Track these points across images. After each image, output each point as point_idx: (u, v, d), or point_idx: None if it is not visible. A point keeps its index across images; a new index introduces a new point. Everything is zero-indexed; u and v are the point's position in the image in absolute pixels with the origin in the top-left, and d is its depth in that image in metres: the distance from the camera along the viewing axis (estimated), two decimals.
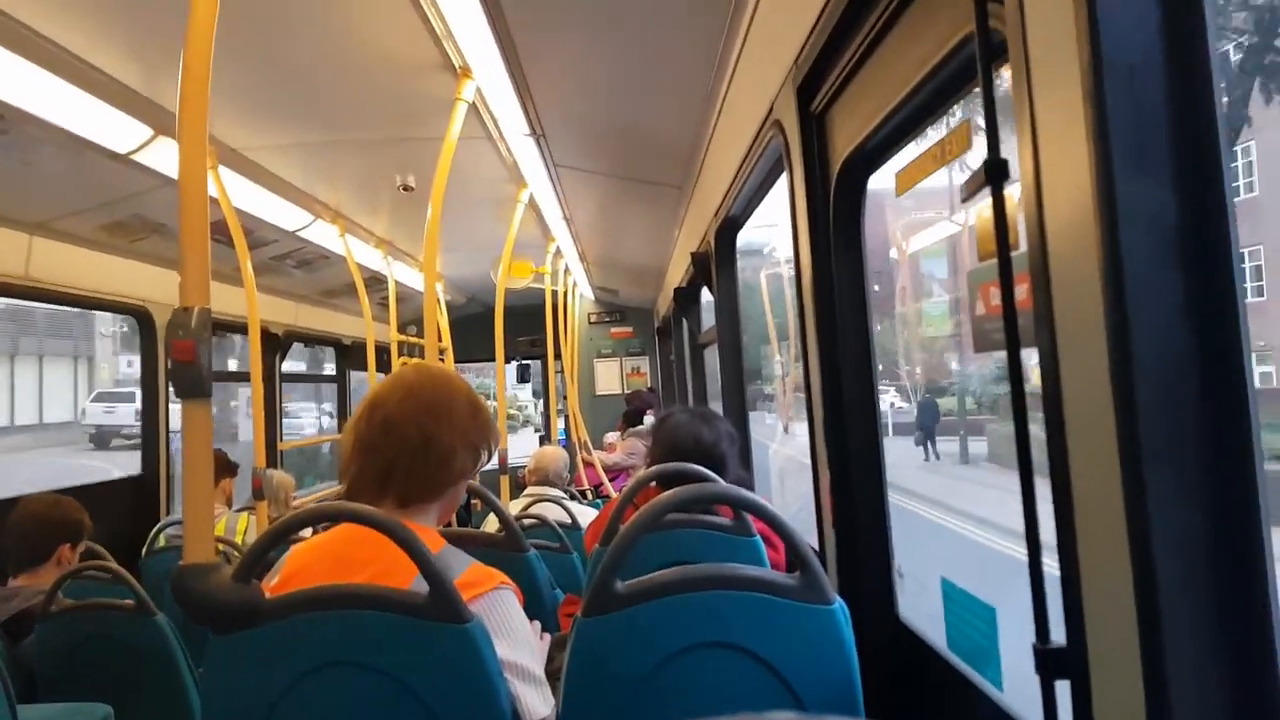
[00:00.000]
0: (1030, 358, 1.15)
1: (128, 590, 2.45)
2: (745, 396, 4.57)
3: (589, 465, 7.04)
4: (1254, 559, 0.91)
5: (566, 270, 7.53)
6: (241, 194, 4.11)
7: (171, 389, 1.64)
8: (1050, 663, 1.09)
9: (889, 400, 21.05)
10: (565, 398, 8.49)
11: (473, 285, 8.29)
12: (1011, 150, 1.13)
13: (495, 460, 4.46)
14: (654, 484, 2.39)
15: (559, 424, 8.42)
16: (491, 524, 3.33)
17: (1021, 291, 1.16)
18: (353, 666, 1.40)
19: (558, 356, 7.43)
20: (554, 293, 6.85)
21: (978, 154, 1.27)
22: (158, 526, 4.31)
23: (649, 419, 7.10)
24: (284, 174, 4.28)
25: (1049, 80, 1.02)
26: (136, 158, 3.43)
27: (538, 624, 1.83)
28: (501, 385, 5.05)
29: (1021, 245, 1.14)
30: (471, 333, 8.31)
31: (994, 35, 1.16)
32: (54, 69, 2.70)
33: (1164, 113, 0.92)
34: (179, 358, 1.55)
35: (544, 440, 9.27)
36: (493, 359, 5.17)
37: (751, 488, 4.35)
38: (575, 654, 1.48)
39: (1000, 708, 1.59)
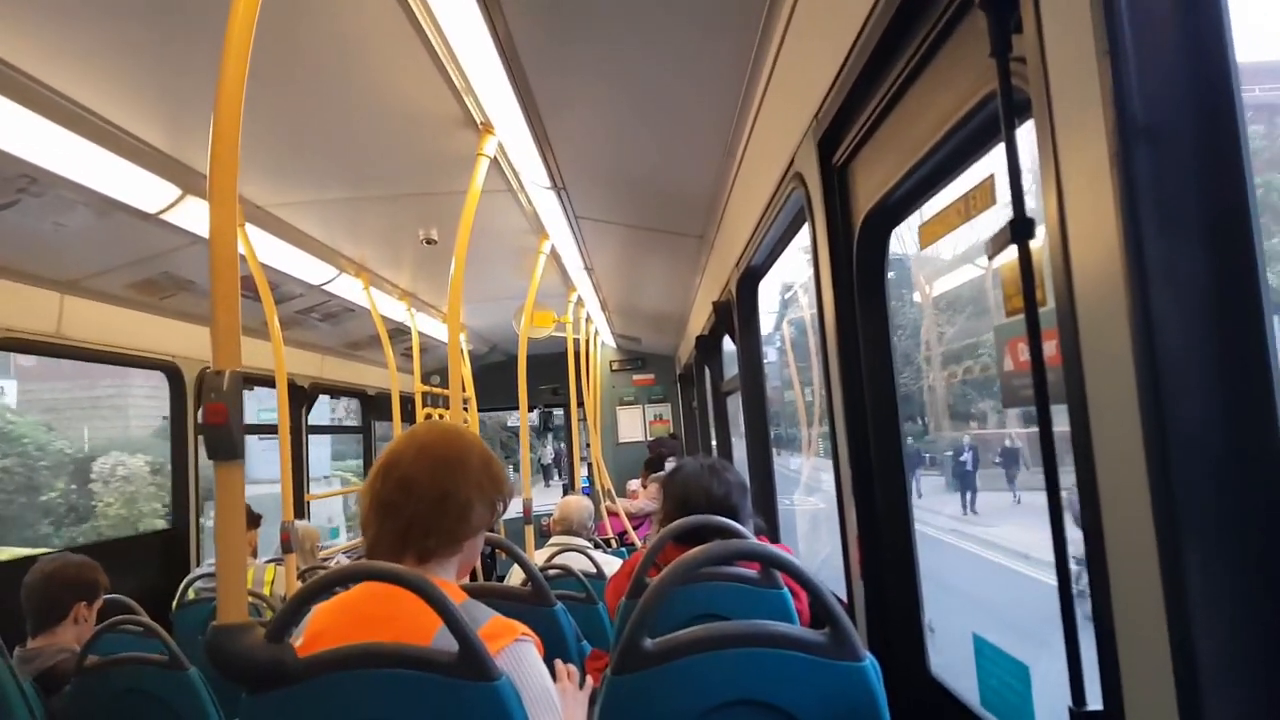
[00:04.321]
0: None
1: (160, 644, 2.46)
2: (769, 445, 4.54)
3: (613, 514, 7.02)
4: None
5: (588, 319, 7.56)
6: (267, 249, 4.17)
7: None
8: None
9: None
10: (589, 446, 8.48)
11: (495, 334, 8.34)
12: (1034, 205, 1.13)
13: (521, 509, 4.48)
14: (673, 543, 2.36)
15: (582, 472, 8.41)
16: (516, 575, 3.32)
17: (1049, 348, 1.15)
18: None
19: (580, 404, 7.44)
20: (576, 341, 6.88)
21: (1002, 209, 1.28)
22: (187, 579, 4.33)
23: (670, 465, 7.06)
24: (309, 229, 4.34)
25: (1074, 140, 1.01)
26: (165, 217, 3.50)
27: (573, 669, 1.83)
28: (525, 434, 5.06)
29: (1048, 300, 1.13)
30: (494, 381, 8.34)
31: (1017, 94, 1.17)
32: (84, 132, 2.77)
33: (1193, 174, 0.92)
34: (211, 420, 1.57)
35: (568, 489, 9.26)
36: (515, 407, 5.19)
37: (776, 534, 4.32)
38: (606, 712, 1.48)
39: None
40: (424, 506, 1.62)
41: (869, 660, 1.48)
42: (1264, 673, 0.89)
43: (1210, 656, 0.88)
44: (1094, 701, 1.08)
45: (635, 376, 10.20)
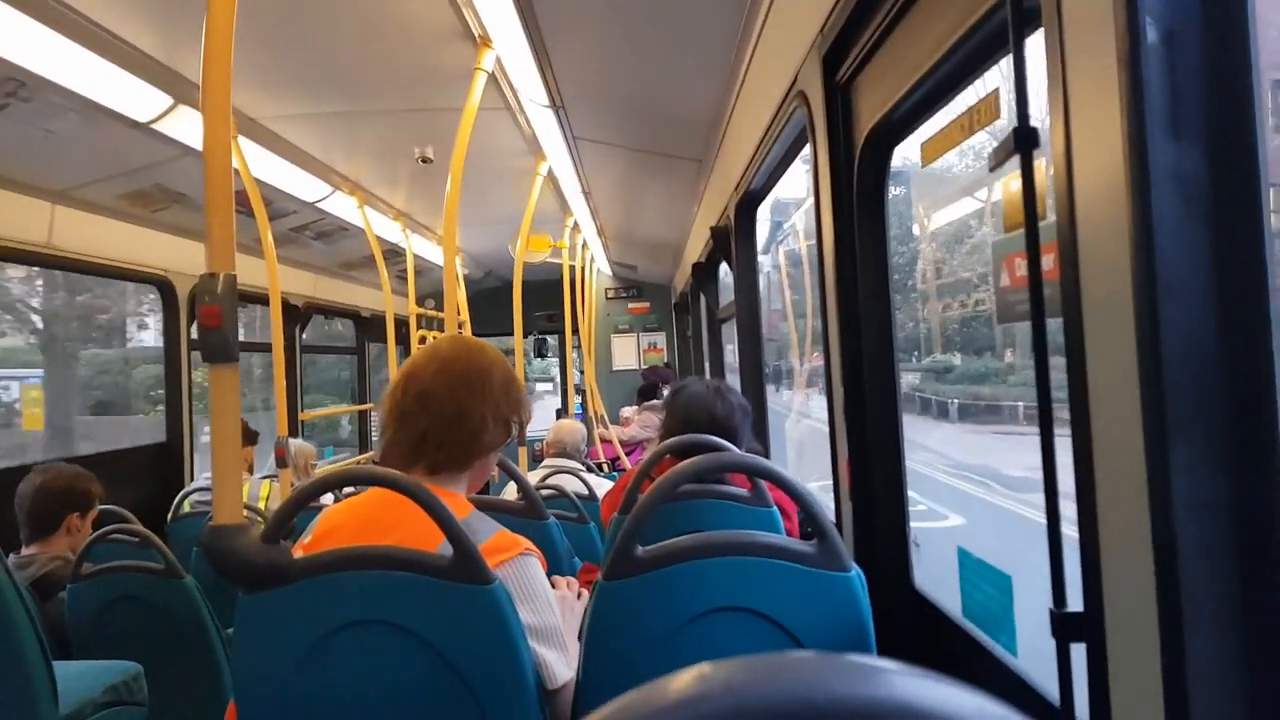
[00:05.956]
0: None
1: (155, 554, 2.49)
2: (763, 369, 4.56)
3: (606, 441, 7.07)
4: (1276, 526, 0.91)
5: (584, 245, 7.52)
6: (261, 164, 4.12)
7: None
8: (1066, 627, 1.10)
9: None
10: (582, 372, 8.51)
11: (490, 259, 8.30)
12: (1040, 118, 1.12)
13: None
14: (670, 456, 2.39)
15: (575, 398, 8.46)
16: (510, 492, 3.36)
17: (1047, 263, 1.16)
18: (378, 625, 1.43)
19: (575, 331, 7.44)
20: (571, 267, 6.84)
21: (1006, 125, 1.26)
22: (183, 492, 4.37)
23: (664, 393, 7.10)
24: (303, 144, 4.28)
25: (1082, 46, 1.00)
26: (157, 127, 3.44)
27: (573, 580, 1.86)
28: (520, 359, 5.07)
29: (1049, 216, 1.13)
30: (489, 306, 8.34)
31: (1026, 2, 1.15)
32: (74, 36, 2.71)
33: (1200, 79, 0.91)
34: (206, 323, 1.57)
35: (561, 414, 9.33)
36: (510, 333, 5.19)
37: (769, 457, 4.36)
38: (595, 616, 1.51)
39: (1015, 673, 1.61)
40: (439, 421, 1.63)
41: (855, 571, 1.51)
42: (1243, 574, 0.91)
43: (1191, 557, 0.90)
44: (1075, 603, 1.10)
45: (630, 304, 10.20)
